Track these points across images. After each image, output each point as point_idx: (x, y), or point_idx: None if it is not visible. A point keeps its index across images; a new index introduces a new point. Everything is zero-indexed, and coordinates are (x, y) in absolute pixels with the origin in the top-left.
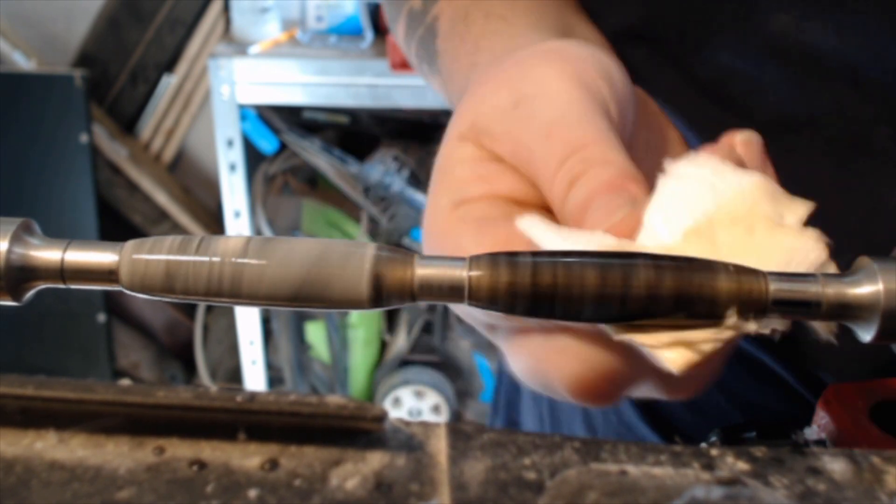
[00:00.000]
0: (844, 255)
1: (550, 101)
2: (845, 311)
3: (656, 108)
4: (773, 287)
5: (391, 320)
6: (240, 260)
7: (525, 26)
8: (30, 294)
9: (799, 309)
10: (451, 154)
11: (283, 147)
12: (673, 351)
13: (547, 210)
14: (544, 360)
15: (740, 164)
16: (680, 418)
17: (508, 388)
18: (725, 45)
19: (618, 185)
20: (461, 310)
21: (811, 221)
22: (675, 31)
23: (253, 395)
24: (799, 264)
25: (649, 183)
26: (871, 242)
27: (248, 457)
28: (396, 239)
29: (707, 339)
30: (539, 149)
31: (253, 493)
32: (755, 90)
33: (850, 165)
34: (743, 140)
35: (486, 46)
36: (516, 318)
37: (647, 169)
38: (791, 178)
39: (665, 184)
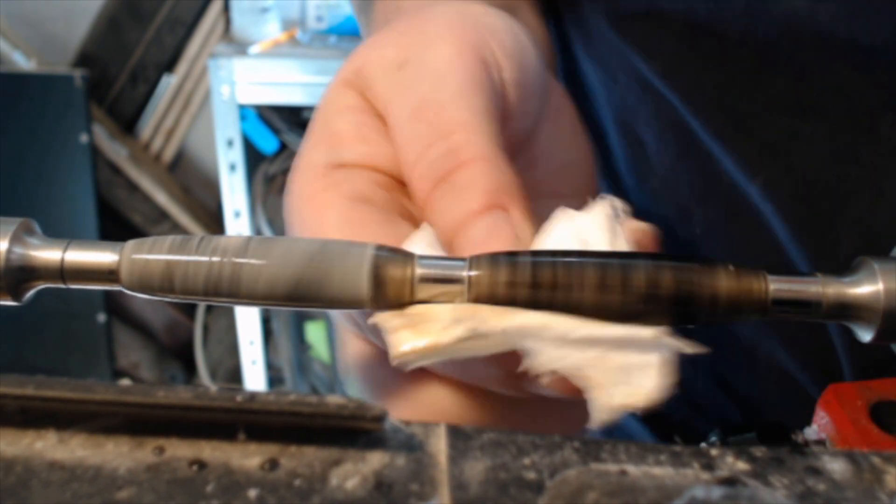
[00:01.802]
0: (845, 244)
1: (432, 71)
2: (845, 311)
3: (571, 107)
4: (773, 287)
5: None
6: (238, 259)
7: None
8: (30, 294)
9: (799, 309)
10: (335, 100)
11: (283, 147)
12: (403, 332)
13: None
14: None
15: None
16: (678, 415)
17: None
18: (735, 24)
19: (495, 204)
20: None
21: (811, 212)
22: (683, 10)
23: (253, 395)
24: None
25: (533, 185)
26: (872, 232)
27: (247, 457)
28: None
29: (450, 333)
30: (406, 124)
31: (253, 492)
32: (761, 73)
33: (853, 153)
34: (640, 228)
35: None
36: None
37: (545, 166)
38: (791, 165)
39: (552, 228)
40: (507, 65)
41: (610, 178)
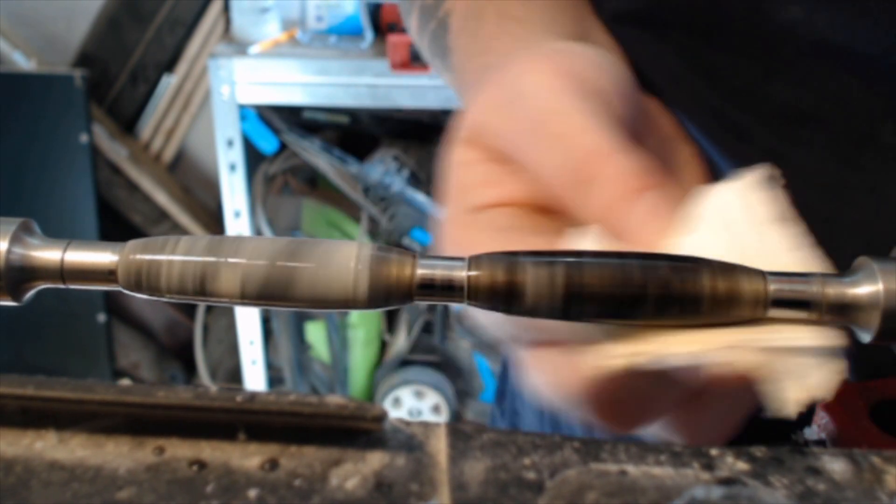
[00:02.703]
0: (846, 252)
1: (533, 97)
2: (845, 312)
3: (669, 120)
4: (773, 287)
5: (391, 320)
6: (240, 260)
7: (538, 30)
8: (30, 294)
9: (799, 309)
10: (456, 160)
11: (283, 147)
12: (736, 352)
13: (558, 206)
14: (563, 375)
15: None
16: None
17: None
18: (733, 36)
19: (646, 185)
20: (489, 319)
21: (812, 218)
22: (682, 19)
23: (253, 395)
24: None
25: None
26: (874, 239)
27: (248, 457)
28: (396, 239)
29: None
30: (530, 151)
31: (253, 493)
32: (761, 82)
33: (854, 161)
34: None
35: (497, 48)
36: (540, 330)
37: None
38: (795, 173)
39: (705, 201)
40: (604, 81)
41: None
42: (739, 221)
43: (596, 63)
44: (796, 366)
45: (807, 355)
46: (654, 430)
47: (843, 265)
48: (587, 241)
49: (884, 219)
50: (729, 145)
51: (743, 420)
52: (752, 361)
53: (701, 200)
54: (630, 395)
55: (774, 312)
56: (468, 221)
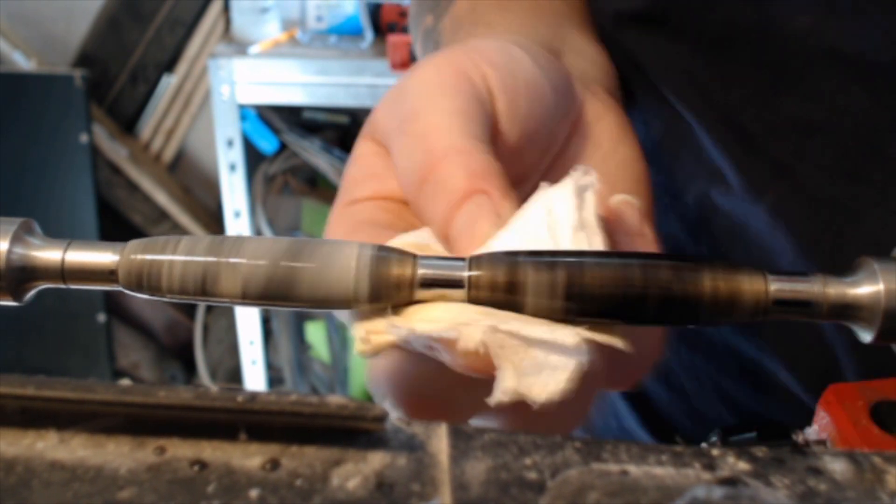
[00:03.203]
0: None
1: (412, 91)
2: (846, 312)
3: (614, 120)
4: (774, 287)
5: None
6: (241, 260)
7: (501, 32)
8: (30, 294)
9: (800, 309)
10: (354, 153)
11: (283, 147)
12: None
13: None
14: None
15: (614, 216)
16: (680, 425)
17: None
18: (746, 43)
19: (473, 190)
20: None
21: (819, 230)
22: (692, 27)
23: (254, 395)
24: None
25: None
26: (882, 250)
27: (249, 457)
28: None
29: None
30: (393, 144)
31: (254, 493)
32: (770, 92)
33: (861, 174)
34: (623, 199)
35: None
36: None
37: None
38: (801, 185)
39: (528, 204)
40: (491, 73)
41: None
42: (540, 226)
43: (494, 61)
44: (534, 359)
45: (550, 351)
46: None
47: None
48: (411, 239)
49: (891, 232)
50: (738, 157)
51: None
52: (480, 341)
53: (526, 206)
54: (414, 382)
55: (775, 312)
56: (341, 214)
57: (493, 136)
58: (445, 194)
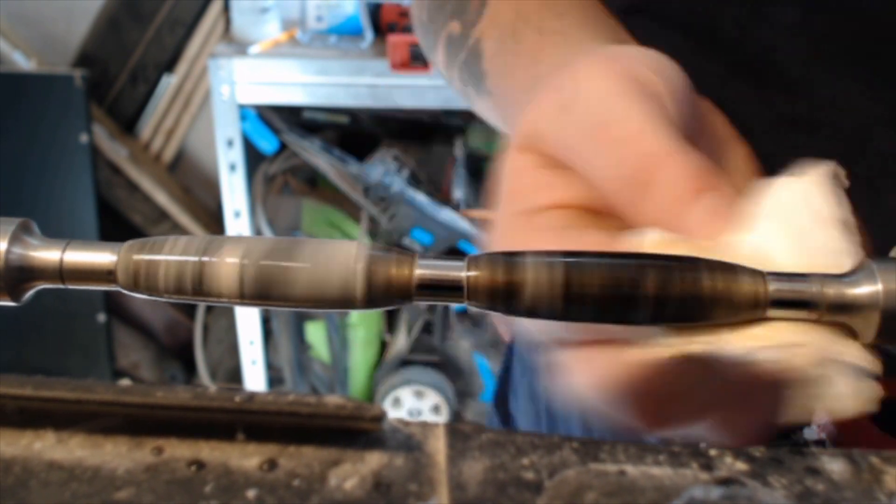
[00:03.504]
0: None
1: (591, 101)
2: (844, 312)
3: (721, 120)
4: (773, 287)
5: (391, 320)
6: (240, 261)
7: (583, 39)
8: (29, 294)
9: (798, 309)
10: (510, 166)
11: (283, 147)
12: (787, 352)
13: (611, 210)
14: (609, 367)
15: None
16: None
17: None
18: (731, 38)
19: (704, 187)
20: (531, 325)
21: None
22: (679, 24)
23: (252, 396)
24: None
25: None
26: (872, 244)
27: (246, 457)
28: (396, 239)
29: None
30: (587, 154)
31: (252, 493)
32: (758, 86)
33: (847, 165)
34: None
35: (544, 59)
36: (594, 330)
37: None
38: None
39: (772, 195)
40: (658, 81)
41: None
42: (802, 217)
43: (651, 65)
44: (839, 380)
45: (851, 374)
46: (689, 430)
47: None
48: (647, 240)
49: (880, 225)
50: None
51: (775, 422)
52: (807, 365)
53: (761, 197)
54: (673, 389)
55: (774, 313)
56: (523, 223)
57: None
58: (676, 192)
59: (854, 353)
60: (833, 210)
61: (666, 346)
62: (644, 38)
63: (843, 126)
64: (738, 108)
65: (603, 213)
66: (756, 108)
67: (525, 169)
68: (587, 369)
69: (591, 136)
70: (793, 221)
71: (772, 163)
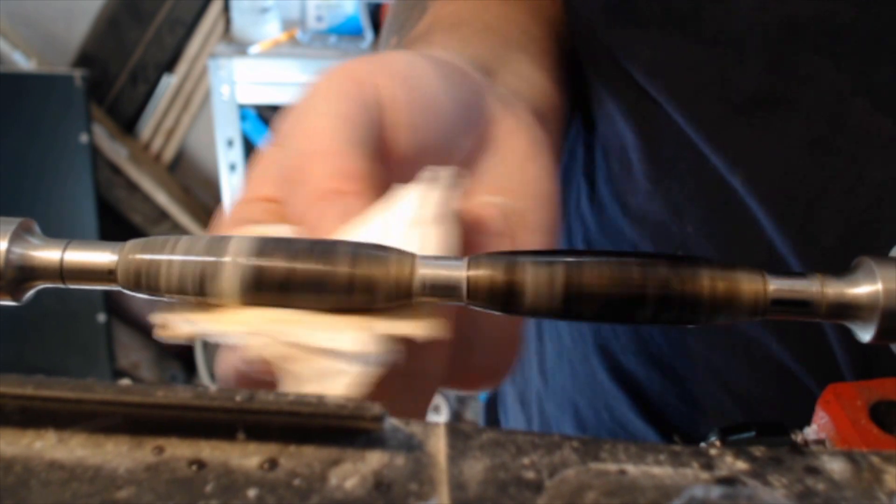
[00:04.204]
0: (828, 232)
1: (309, 99)
2: (844, 311)
3: (526, 137)
4: (772, 287)
5: None
6: (240, 260)
7: (435, 50)
8: (29, 294)
9: (798, 309)
10: (265, 153)
11: None
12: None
13: None
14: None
15: (474, 218)
16: (675, 412)
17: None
18: (709, 18)
19: (332, 190)
20: None
21: (790, 202)
22: (658, 11)
23: (252, 395)
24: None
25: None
26: (851, 219)
27: (247, 456)
28: None
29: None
30: (283, 143)
31: (252, 492)
32: (736, 65)
33: (827, 142)
34: (489, 202)
35: None
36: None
37: (485, 192)
38: (768, 157)
39: (383, 203)
40: (386, 83)
41: (614, 175)
42: (401, 219)
43: (395, 71)
44: (319, 368)
45: (337, 359)
46: None
47: (824, 247)
48: (268, 232)
49: (863, 199)
50: (711, 132)
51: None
52: (273, 352)
53: (390, 201)
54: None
55: (773, 311)
56: (236, 210)
57: (379, 144)
58: (305, 192)
59: (337, 339)
60: (432, 212)
61: (183, 326)
62: (623, 32)
63: (821, 101)
64: (721, 91)
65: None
66: (736, 89)
67: (264, 157)
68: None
69: (288, 130)
70: (391, 221)
71: (754, 143)
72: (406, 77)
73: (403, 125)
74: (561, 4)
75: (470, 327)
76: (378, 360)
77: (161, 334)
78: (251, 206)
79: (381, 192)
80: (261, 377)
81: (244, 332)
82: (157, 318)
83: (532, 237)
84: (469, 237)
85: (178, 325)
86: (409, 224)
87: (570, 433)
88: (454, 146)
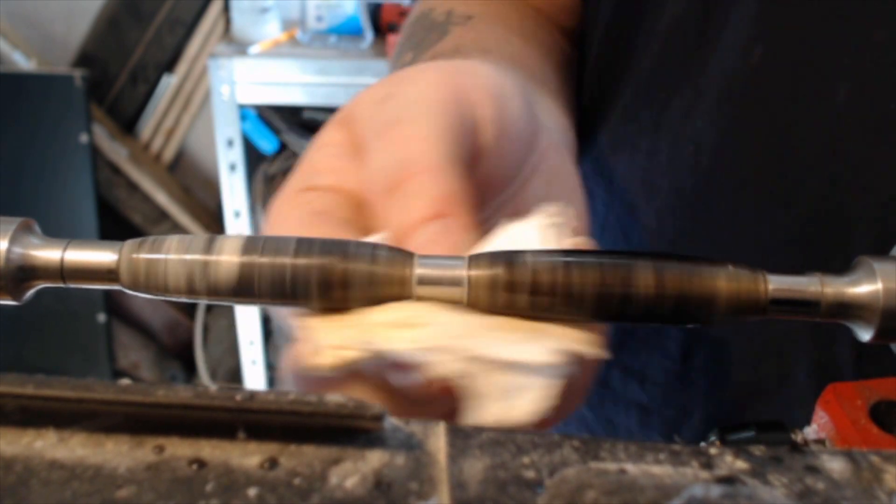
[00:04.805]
0: (812, 217)
1: (404, 99)
2: (844, 311)
3: (566, 153)
4: (773, 287)
5: None
6: (239, 259)
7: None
8: (30, 293)
9: (798, 308)
10: (320, 140)
11: (283, 147)
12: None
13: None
14: (292, 372)
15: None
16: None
17: None
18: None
19: (440, 213)
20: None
21: (774, 187)
22: (650, 23)
23: (252, 394)
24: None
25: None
26: (836, 197)
27: (247, 456)
28: None
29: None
30: (370, 143)
31: (252, 491)
32: (709, 49)
33: (807, 124)
34: (579, 241)
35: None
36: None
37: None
38: (751, 146)
39: (493, 238)
40: (485, 102)
41: (638, 185)
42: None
43: (487, 82)
44: (504, 383)
45: (522, 372)
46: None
47: (809, 232)
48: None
49: (844, 181)
50: (680, 130)
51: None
52: (455, 370)
53: (497, 233)
54: (353, 387)
55: (773, 311)
56: (292, 198)
57: (471, 164)
58: (413, 208)
59: (524, 351)
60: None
61: (326, 356)
62: (620, 48)
63: (800, 84)
64: (692, 83)
65: (365, 206)
66: (710, 79)
67: (330, 145)
68: (286, 362)
69: (383, 129)
70: None
71: (731, 131)
72: (497, 97)
73: (490, 149)
74: (569, 53)
75: None
76: (561, 373)
77: (323, 364)
78: (326, 196)
79: (474, 214)
80: (439, 397)
81: (421, 348)
82: (317, 344)
83: None
84: None
85: (331, 351)
86: None
87: (572, 431)
88: (516, 174)
